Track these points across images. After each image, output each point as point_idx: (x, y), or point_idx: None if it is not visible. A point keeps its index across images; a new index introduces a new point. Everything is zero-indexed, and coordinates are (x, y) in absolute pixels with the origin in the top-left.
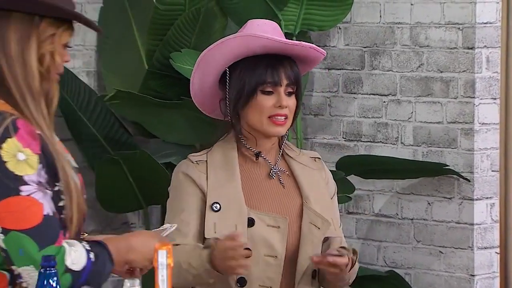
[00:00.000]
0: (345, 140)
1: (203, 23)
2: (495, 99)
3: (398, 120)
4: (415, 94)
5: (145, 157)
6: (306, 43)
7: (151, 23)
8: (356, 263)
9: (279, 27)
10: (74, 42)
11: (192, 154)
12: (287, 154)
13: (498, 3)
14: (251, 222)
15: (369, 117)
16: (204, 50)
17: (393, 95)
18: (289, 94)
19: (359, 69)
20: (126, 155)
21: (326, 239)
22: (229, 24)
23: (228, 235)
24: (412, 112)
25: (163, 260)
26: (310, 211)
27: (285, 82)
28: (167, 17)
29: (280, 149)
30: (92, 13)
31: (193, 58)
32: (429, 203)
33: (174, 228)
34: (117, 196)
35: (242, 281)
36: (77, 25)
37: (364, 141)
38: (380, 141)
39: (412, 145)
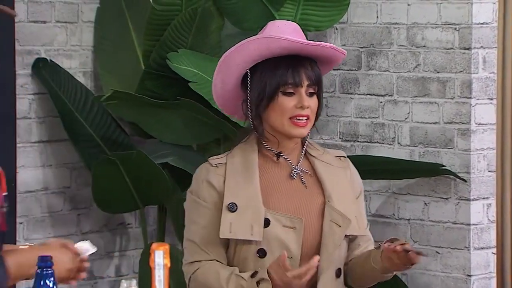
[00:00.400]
0: (342, 141)
1: (200, 24)
2: (491, 99)
3: (395, 120)
4: (411, 95)
5: (142, 158)
6: (327, 44)
7: (147, 23)
8: None
9: (299, 27)
10: (71, 43)
11: (212, 157)
12: (310, 154)
13: (494, 3)
14: (267, 223)
15: (366, 118)
16: (225, 53)
17: (389, 96)
18: (311, 94)
19: (355, 70)
20: (123, 155)
21: (353, 239)
22: (226, 24)
23: (277, 262)
24: (408, 113)
25: (160, 260)
26: (332, 209)
27: (306, 82)
28: (164, 18)
29: (303, 149)
30: (89, 13)
31: (189, 58)
32: (425, 204)
33: (94, 250)
34: (114, 196)
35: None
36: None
37: (360, 142)
38: (377, 142)
39: (408, 146)
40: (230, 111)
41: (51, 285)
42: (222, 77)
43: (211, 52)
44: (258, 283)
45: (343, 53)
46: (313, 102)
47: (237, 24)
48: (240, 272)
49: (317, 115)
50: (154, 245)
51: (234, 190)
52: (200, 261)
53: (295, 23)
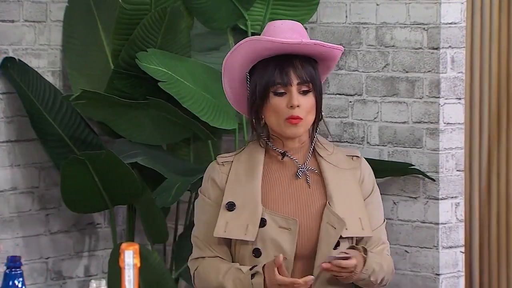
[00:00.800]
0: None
1: (169, 23)
2: (460, 99)
3: (364, 120)
4: (380, 94)
5: (111, 157)
6: (312, 41)
7: (116, 22)
8: (371, 260)
9: (300, 25)
10: (39, 42)
11: (222, 154)
12: (318, 154)
13: (462, 3)
14: (263, 223)
15: (336, 117)
16: (224, 58)
17: (359, 95)
18: (304, 92)
19: None
20: (92, 155)
21: (360, 241)
22: (195, 23)
23: (272, 262)
24: (378, 112)
25: (129, 260)
26: (330, 212)
27: (295, 81)
28: (133, 17)
29: (311, 148)
30: (57, 12)
31: (159, 57)
32: (394, 203)
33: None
34: (83, 196)
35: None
36: (42, 25)
37: (330, 141)
38: (346, 141)
39: (378, 145)
40: (245, 111)
41: (19, 285)
42: (228, 81)
43: (180, 51)
44: (253, 276)
45: (336, 48)
46: (306, 100)
47: (207, 23)
48: None
49: (318, 113)
50: (123, 245)
51: (235, 189)
52: (203, 257)
53: (294, 22)
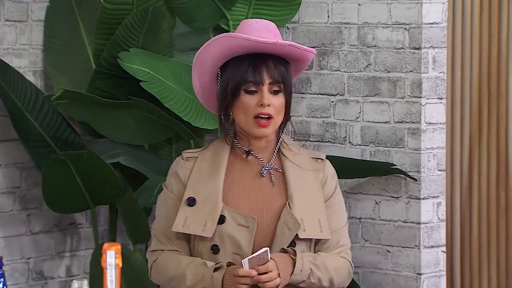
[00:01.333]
0: (293, 140)
1: (151, 23)
2: (441, 99)
3: (346, 119)
4: (362, 94)
5: (93, 157)
6: (286, 42)
7: (98, 22)
8: (303, 261)
9: (273, 25)
10: (20, 42)
11: (188, 150)
12: (283, 154)
13: (444, 3)
14: (222, 220)
15: (318, 117)
16: (196, 53)
17: (341, 95)
18: (275, 92)
19: (307, 69)
20: (74, 155)
21: (318, 243)
22: (177, 23)
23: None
24: (359, 112)
25: (111, 260)
26: (287, 212)
27: (267, 80)
28: (115, 16)
29: (276, 148)
30: (39, 12)
31: (141, 57)
32: (376, 203)
33: None
34: (65, 196)
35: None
36: (23, 24)
37: (312, 141)
38: (328, 141)
39: (360, 145)
40: (213, 108)
41: (1, 285)
42: (198, 76)
43: (162, 51)
44: (216, 269)
45: (309, 50)
46: (277, 100)
47: (189, 23)
48: None
49: (286, 113)
50: (105, 245)
51: (197, 185)
52: (162, 250)
53: (268, 21)
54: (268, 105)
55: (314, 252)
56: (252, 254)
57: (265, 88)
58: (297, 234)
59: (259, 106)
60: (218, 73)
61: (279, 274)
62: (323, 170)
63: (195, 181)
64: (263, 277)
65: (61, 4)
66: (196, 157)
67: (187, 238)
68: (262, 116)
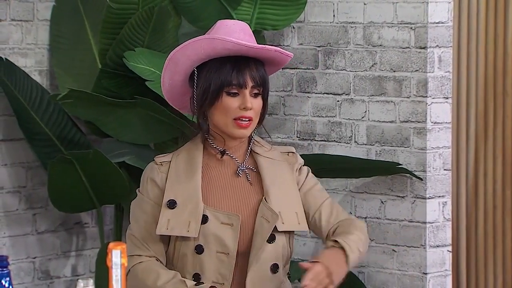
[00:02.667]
0: (299, 139)
1: (157, 22)
2: (447, 98)
3: (352, 119)
4: (368, 93)
5: (99, 157)
6: (272, 47)
7: (104, 21)
8: (349, 244)
9: (248, 27)
10: (26, 41)
11: (159, 155)
12: (255, 151)
13: (449, 3)
14: (205, 219)
15: (323, 116)
16: (171, 52)
17: (346, 94)
18: (255, 95)
19: (313, 68)
20: (79, 154)
21: (318, 220)
22: (182, 23)
23: None
24: (365, 111)
25: (117, 260)
26: (264, 206)
27: (250, 84)
28: (120, 16)
29: (249, 146)
30: (44, 11)
31: (146, 57)
32: (382, 202)
33: None
34: (70, 195)
35: (196, 277)
36: (29, 24)
37: (318, 140)
38: (334, 140)
39: (365, 144)
40: (180, 106)
41: (6, 285)
42: (170, 75)
43: (168, 50)
44: None
45: (290, 55)
46: (257, 103)
47: (194, 22)
48: (180, 270)
49: (262, 116)
50: (111, 245)
51: (175, 188)
52: (140, 255)
53: (244, 23)
54: (251, 108)
55: (321, 231)
56: (237, 251)
57: (247, 91)
58: (276, 228)
59: (241, 109)
60: (194, 73)
61: (331, 275)
62: (296, 163)
63: (173, 184)
64: (312, 285)
65: (67, 3)
66: (170, 161)
67: (166, 242)
68: (243, 119)
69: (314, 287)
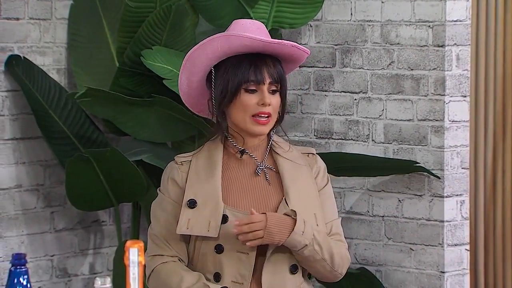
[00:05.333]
0: (316, 138)
1: (174, 21)
2: (465, 96)
3: (369, 117)
4: (385, 92)
5: (116, 155)
6: (288, 42)
7: (121, 20)
8: (307, 225)
9: (264, 26)
10: (44, 40)
11: (179, 154)
12: (275, 151)
13: (468, 1)
14: (225, 219)
15: (340, 115)
16: (189, 51)
17: (364, 93)
18: (273, 92)
19: (330, 67)
20: (97, 152)
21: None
22: (200, 21)
23: None
24: (383, 110)
25: (134, 258)
26: (284, 207)
27: (268, 80)
28: (138, 14)
29: (268, 146)
30: (62, 10)
31: (164, 55)
32: (399, 200)
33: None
34: (88, 193)
35: (217, 276)
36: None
37: (335, 139)
38: (351, 139)
39: (383, 143)
40: (198, 109)
41: (24, 282)
42: (187, 75)
43: (185, 49)
44: None
45: (306, 51)
46: (275, 99)
47: (212, 21)
48: (200, 270)
49: (281, 113)
50: (128, 243)
51: (195, 187)
52: (162, 255)
53: (260, 22)
54: (269, 104)
55: None
56: (256, 251)
57: (265, 87)
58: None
59: (260, 105)
60: (212, 72)
61: (265, 228)
62: (315, 164)
63: (193, 183)
64: (243, 227)
65: (85, 2)
66: (190, 160)
67: (187, 241)
68: (262, 115)
69: (244, 230)
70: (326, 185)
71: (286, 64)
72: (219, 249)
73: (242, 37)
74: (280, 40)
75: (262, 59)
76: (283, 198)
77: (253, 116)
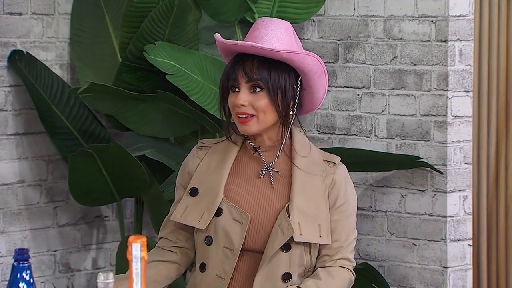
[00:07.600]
0: (319, 133)
1: (177, 16)
2: (468, 92)
3: (372, 113)
4: (388, 87)
5: (119, 150)
6: (264, 46)
7: (124, 15)
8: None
9: (282, 25)
10: (47, 35)
11: (204, 139)
12: (291, 155)
13: None
14: (219, 212)
15: (343, 110)
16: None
17: (366, 88)
18: (255, 91)
19: (333, 62)
20: (100, 148)
21: (318, 247)
22: (203, 16)
23: None
24: (385, 105)
25: (137, 253)
26: (284, 216)
27: (243, 79)
28: (141, 10)
29: (278, 149)
30: (65, 5)
31: (166, 50)
32: (402, 196)
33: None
34: (91, 189)
35: (202, 267)
36: (50, 17)
37: (338, 134)
38: (354, 134)
39: (385, 138)
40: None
41: (27, 277)
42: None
43: (188, 44)
44: None
45: (312, 55)
46: (257, 99)
47: (214, 16)
48: (196, 259)
49: (281, 112)
50: (131, 238)
51: (202, 176)
52: (162, 237)
53: (283, 21)
54: (243, 104)
55: (317, 256)
56: (242, 249)
57: (243, 86)
58: (292, 237)
59: (236, 106)
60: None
61: None
62: (332, 174)
63: (201, 172)
64: None
65: None
66: (210, 147)
67: (190, 227)
68: (239, 115)
69: None
70: (342, 204)
71: (304, 76)
72: (208, 241)
73: (216, 40)
74: (254, 44)
75: (246, 58)
76: (286, 205)
77: (236, 115)
